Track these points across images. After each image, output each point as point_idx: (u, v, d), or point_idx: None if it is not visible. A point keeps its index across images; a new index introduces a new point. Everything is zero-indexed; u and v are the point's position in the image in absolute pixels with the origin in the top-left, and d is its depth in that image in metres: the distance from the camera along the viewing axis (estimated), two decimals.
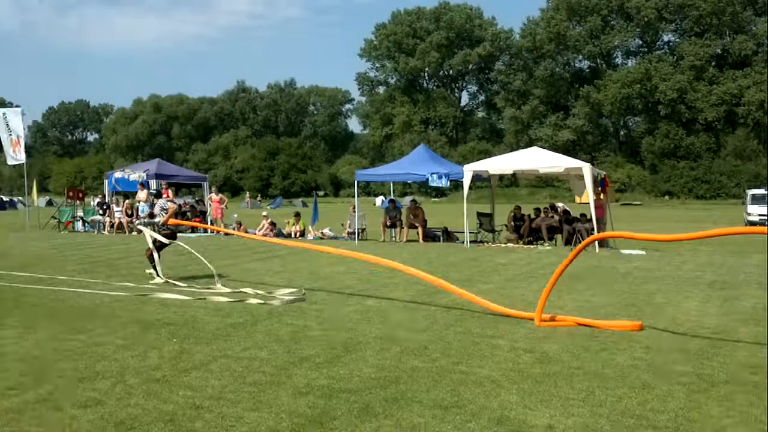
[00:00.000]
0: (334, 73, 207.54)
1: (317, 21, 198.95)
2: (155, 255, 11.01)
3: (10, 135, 25.23)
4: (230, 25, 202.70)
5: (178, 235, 12.38)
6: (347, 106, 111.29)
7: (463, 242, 18.78)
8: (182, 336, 6.98)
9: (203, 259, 11.08)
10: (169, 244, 11.26)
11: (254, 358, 6.11)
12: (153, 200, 12.20)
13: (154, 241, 11.00)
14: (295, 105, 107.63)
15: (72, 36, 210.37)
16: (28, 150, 28.66)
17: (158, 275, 10.85)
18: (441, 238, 20.02)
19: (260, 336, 7.03)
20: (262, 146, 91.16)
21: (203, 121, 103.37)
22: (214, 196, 23.82)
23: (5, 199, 58.11)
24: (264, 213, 24.33)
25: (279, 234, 21.25)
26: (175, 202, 12.61)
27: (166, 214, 11.40)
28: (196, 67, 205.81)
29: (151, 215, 11.80)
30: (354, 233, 20.08)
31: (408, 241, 19.65)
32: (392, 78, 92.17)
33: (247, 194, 65.47)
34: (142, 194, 22.19)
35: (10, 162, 26.54)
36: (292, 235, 21.10)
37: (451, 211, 30.80)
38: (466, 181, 18.28)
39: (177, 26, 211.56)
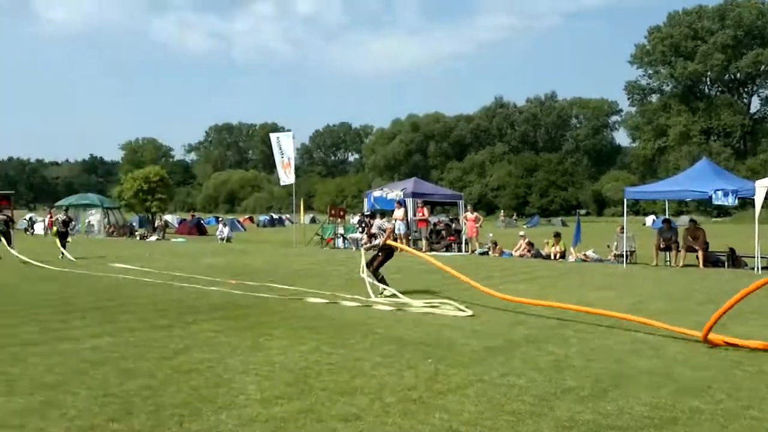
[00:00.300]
0: (599, 84, 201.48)
1: (580, 28, 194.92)
2: (374, 273, 12.09)
3: (282, 157, 28.39)
4: (487, 40, 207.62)
5: (434, 254, 12.90)
6: (614, 117, 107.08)
7: (753, 268, 16.85)
8: (437, 357, 7.12)
9: (453, 272, 11.26)
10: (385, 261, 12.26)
11: (512, 386, 6.01)
12: (368, 221, 13.11)
13: (371, 261, 12.18)
14: (556, 118, 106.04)
15: (337, 62, 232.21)
16: (297, 171, 32.00)
17: (385, 289, 11.76)
18: (726, 264, 18.12)
19: (518, 362, 6.91)
20: (520, 163, 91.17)
21: (459, 138, 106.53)
22: (469, 214, 24.24)
23: (275, 216, 65.52)
24: (521, 233, 24.15)
25: (537, 255, 20.92)
26: (390, 224, 13.50)
27: (385, 234, 12.36)
28: (452, 84, 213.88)
29: (372, 236, 12.65)
30: (622, 256, 19.01)
31: (685, 265, 18.07)
32: (667, 85, 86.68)
33: (502, 212, 65.85)
34: (399, 212, 23.43)
35: (283, 182, 29.77)
36: (552, 257, 20.62)
37: (737, 232, 27.92)
38: (759, 199, 16.48)
39: (434, 46, 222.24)
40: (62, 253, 20.16)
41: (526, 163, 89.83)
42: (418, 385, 6.04)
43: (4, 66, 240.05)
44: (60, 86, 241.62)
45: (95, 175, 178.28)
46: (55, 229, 24.15)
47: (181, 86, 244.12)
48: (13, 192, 30.16)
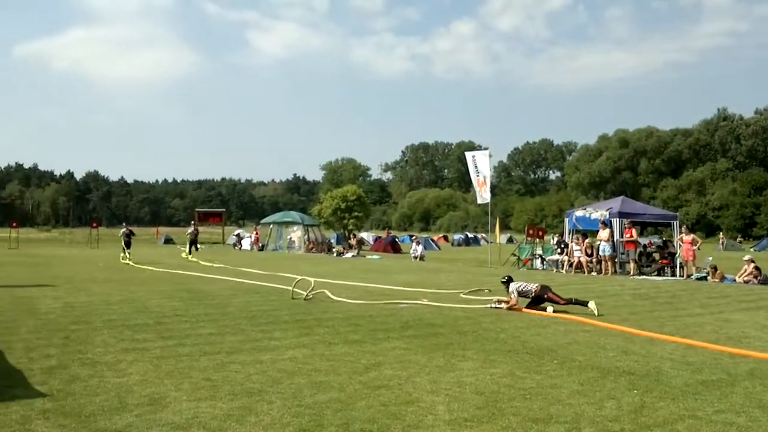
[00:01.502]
0: None
1: None
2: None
3: (478, 176, 28.50)
4: (709, 47, 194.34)
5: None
6: None
7: None
8: (643, 388, 6.71)
9: None
10: None
11: (730, 423, 5.52)
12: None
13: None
14: None
15: (538, 77, 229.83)
16: (493, 189, 31.95)
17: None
18: None
19: (738, 398, 6.33)
20: (746, 180, 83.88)
21: (675, 154, 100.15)
22: (685, 236, 22.67)
23: (470, 235, 65.80)
24: (747, 257, 22.10)
25: (765, 281, 19.04)
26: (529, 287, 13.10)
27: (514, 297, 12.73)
28: (667, 96, 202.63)
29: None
30: None
31: None
32: None
33: (721, 234, 60.78)
34: (603, 233, 22.53)
35: (479, 201, 29.87)
36: None
37: None
38: None
39: (646, 57, 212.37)
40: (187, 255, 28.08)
41: (754, 181, 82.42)
42: (621, 417, 5.72)
43: (224, 94, 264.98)
44: (266, 111, 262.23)
45: (298, 193, 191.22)
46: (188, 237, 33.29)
47: (379, 107, 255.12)
48: (224, 210, 33.23)
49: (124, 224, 36.50)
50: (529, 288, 12.85)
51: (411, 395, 6.41)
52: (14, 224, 49.99)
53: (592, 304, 12.13)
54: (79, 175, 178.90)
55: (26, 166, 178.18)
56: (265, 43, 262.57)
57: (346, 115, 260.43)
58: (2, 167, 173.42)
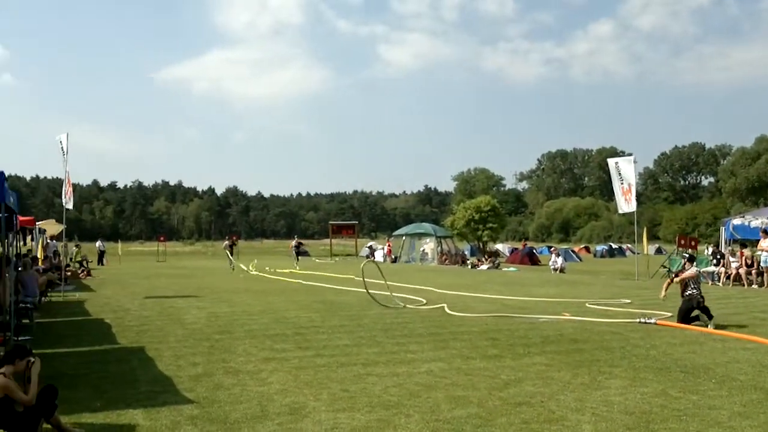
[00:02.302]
0: None
1: None
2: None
3: (622, 183, 27.46)
4: None
5: None
6: None
7: None
8: None
9: None
10: None
11: None
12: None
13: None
14: None
15: (686, 77, 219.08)
16: (639, 197, 30.61)
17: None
18: None
19: None
20: None
21: None
22: None
23: (615, 246, 63.43)
24: None
25: None
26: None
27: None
28: None
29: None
30: None
31: None
32: None
33: None
34: (765, 243, 21.10)
35: (623, 210, 28.76)
36: None
37: None
38: None
39: None
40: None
41: None
42: None
43: (355, 107, 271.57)
44: (397, 123, 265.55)
45: (429, 205, 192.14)
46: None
47: (512, 115, 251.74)
48: (357, 222, 34.05)
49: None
50: (697, 285, 12.26)
51: (554, 413, 6.25)
52: (162, 238, 53.59)
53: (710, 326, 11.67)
54: (219, 191, 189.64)
55: (172, 183, 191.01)
56: (395, 56, 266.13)
57: (478, 125, 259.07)
58: (150, 185, 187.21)
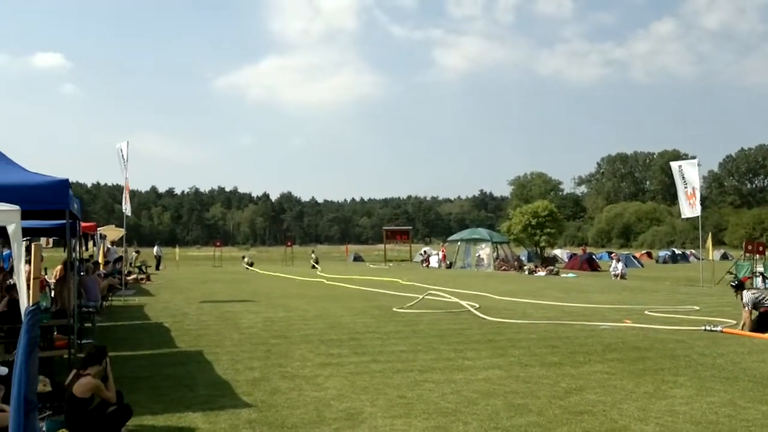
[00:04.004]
0: None
1: None
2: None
3: (686, 187, 26.85)
4: None
5: None
6: None
7: None
8: None
9: None
10: None
11: None
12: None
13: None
14: None
15: (754, 76, 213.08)
16: (703, 201, 29.83)
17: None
18: None
19: None
20: None
21: None
22: None
23: (678, 252, 61.96)
24: None
25: None
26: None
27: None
28: None
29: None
30: None
31: None
32: None
33: None
34: None
35: (686, 214, 28.09)
36: None
37: None
38: None
39: None
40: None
41: None
42: None
43: (408, 112, 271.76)
44: (451, 127, 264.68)
45: (485, 210, 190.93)
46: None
47: (570, 118, 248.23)
48: (411, 227, 34.05)
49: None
50: (765, 297, 11.85)
51: (617, 423, 6.15)
52: (218, 243, 54.52)
53: None
54: (274, 197, 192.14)
55: (227, 189, 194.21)
56: (450, 60, 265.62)
57: (535, 129, 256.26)
58: (207, 191, 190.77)
